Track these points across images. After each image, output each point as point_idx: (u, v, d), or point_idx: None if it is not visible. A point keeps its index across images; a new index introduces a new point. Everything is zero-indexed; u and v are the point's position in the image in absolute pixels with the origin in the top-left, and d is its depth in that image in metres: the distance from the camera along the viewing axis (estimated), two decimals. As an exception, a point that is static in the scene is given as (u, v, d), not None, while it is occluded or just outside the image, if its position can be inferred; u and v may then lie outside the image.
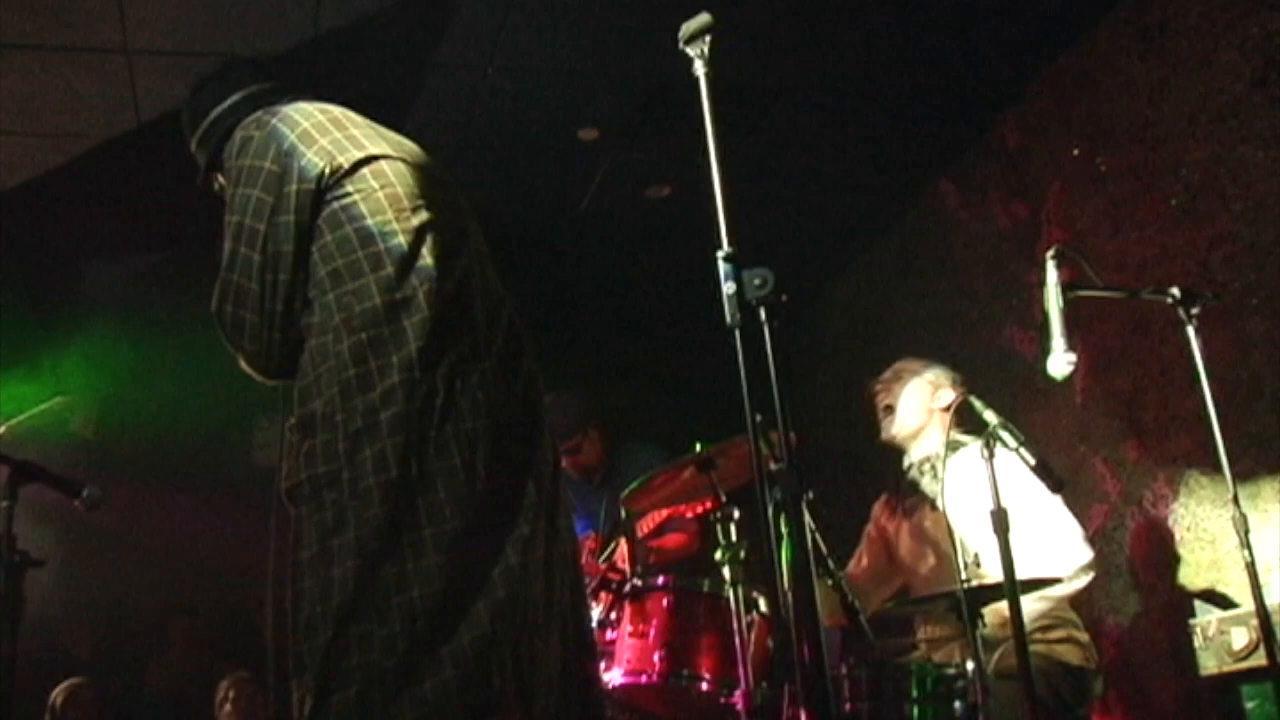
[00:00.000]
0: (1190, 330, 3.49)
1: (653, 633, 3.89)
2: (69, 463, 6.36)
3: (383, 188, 2.64)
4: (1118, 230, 5.17)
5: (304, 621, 2.41)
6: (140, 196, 5.95)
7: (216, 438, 7.51)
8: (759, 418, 2.01)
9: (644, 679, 3.82)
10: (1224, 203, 4.61)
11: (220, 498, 7.14)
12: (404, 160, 2.76)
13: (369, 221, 2.59)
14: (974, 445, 4.08)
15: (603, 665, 3.86)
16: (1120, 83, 5.16)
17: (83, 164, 5.66)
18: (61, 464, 4.14)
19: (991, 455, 3.39)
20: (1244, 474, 4.29)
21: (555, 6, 4.90)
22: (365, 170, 2.65)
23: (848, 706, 3.62)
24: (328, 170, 2.62)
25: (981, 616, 3.55)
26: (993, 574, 3.56)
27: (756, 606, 3.93)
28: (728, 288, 2.07)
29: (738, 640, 3.59)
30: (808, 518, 2.00)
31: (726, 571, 3.72)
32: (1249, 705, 4.07)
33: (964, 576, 3.50)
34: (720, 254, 2.09)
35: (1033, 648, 3.69)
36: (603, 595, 4.18)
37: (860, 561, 4.79)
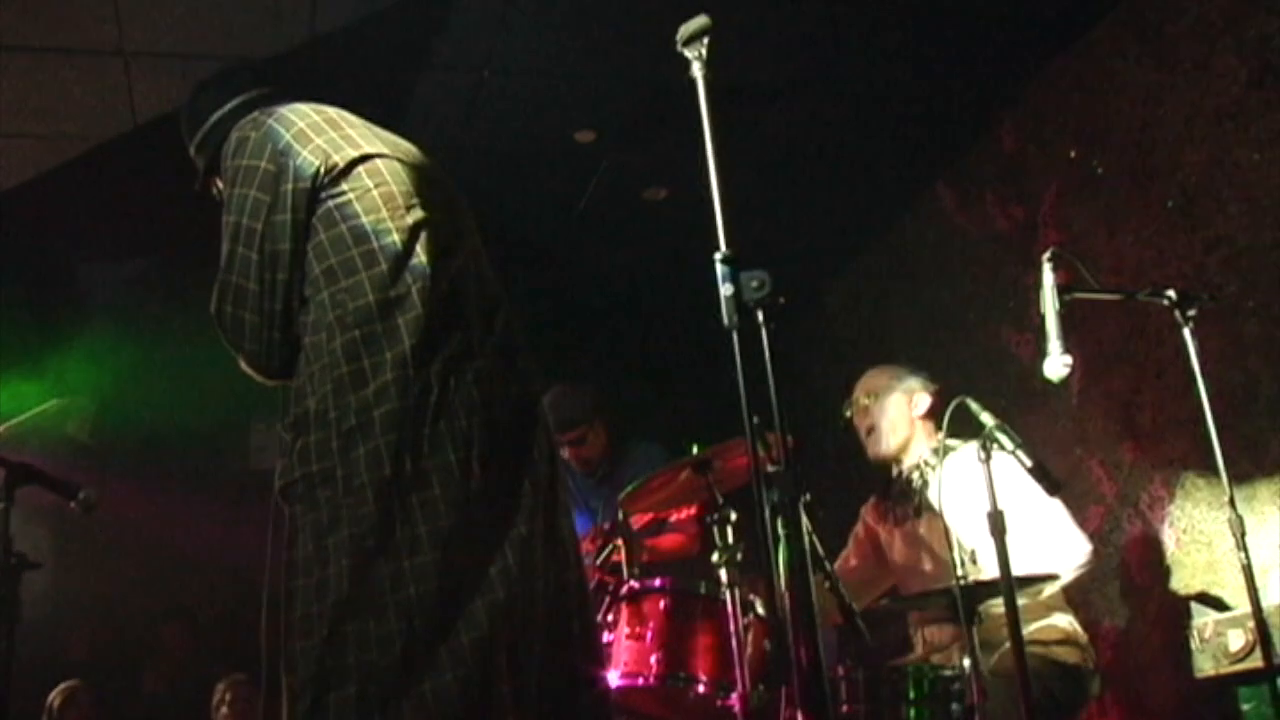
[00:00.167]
0: (1186, 332, 3.49)
1: (649, 635, 3.89)
2: (67, 464, 6.34)
3: (377, 186, 2.65)
4: (1114, 232, 5.17)
5: (298, 619, 2.40)
6: (137, 198, 5.94)
7: (213, 440, 7.50)
8: (756, 420, 2.01)
9: (640, 681, 3.82)
10: (1220, 205, 4.62)
11: (217, 500, 7.14)
12: (399, 160, 2.76)
13: (363, 220, 2.60)
14: (965, 448, 4.07)
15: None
16: (1117, 85, 5.17)
17: (79, 166, 5.64)
18: (59, 466, 4.14)
19: (988, 457, 3.38)
20: (1240, 476, 4.30)
21: (552, 8, 4.90)
22: (360, 169, 2.66)
23: (845, 708, 3.63)
24: (323, 169, 2.63)
25: (979, 614, 3.55)
26: (989, 571, 3.57)
27: (753, 608, 3.93)
28: (725, 290, 2.07)
29: (735, 642, 3.59)
30: (805, 520, 2.00)
31: (723, 573, 3.72)
32: (1245, 707, 4.06)
33: (960, 573, 3.50)
34: (717, 256, 2.10)
35: (1030, 649, 3.69)
36: (600, 598, 4.18)
37: (848, 562, 4.78)
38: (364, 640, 2.33)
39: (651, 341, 7.73)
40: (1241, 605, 4.14)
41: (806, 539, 2.00)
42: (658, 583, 4.05)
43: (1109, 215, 5.21)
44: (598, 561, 4.89)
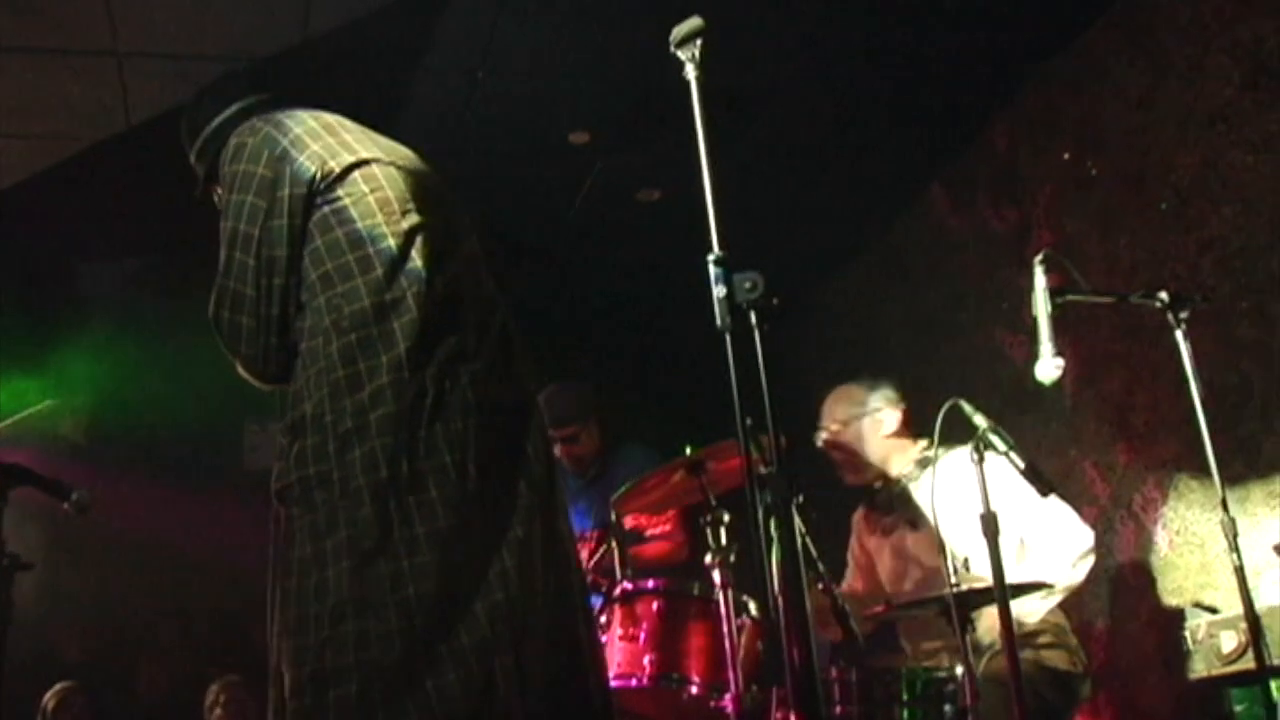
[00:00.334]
0: (1179, 334, 3.49)
1: (643, 636, 3.89)
2: (61, 465, 6.33)
3: (373, 191, 2.66)
4: (1107, 234, 5.18)
5: (295, 619, 2.41)
6: (131, 198, 5.94)
7: (207, 440, 7.49)
8: (749, 421, 2.01)
9: (633, 682, 3.82)
10: (1213, 207, 4.62)
11: (211, 500, 7.12)
12: (395, 165, 2.77)
13: (359, 225, 2.61)
14: (953, 453, 4.07)
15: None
16: (1110, 87, 5.17)
17: (73, 167, 5.64)
18: (53, 466, 4.13)
19: (981, 460, 3.39)
20: (1233, 478, 4.30)
21: (546, 9, 4.90)
22: (356, 174, 2.67)
23: (837, 710, 3.63)
24: (319, 175, 2.64)
25: (972, 621, 3.55)
26: (983, 575, 3.57)
27: (746, 610, 3.94)
28: (718, 291, 2.07)
29: (728, 643, 3.59)
30: (798, 521, 2.00)
31: (716, 575, 3.72)
32: (1238, 709, 4.07)
33: (954, 581, 3.51)
34: (710, 257, 2.10)
35: (1021, 654, 3.70)
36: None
37: (854, 585, 4.76)
38: (364, 639, 2.34)
39: (645, 342, 7.73)
40: (1234, 607, 4.15)
41: (799, 541, 2.00)
42: (651, 584, 4.06)
43: (1102, 217, 5.22)
44: (590, 564, 4.89)
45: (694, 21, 2.30)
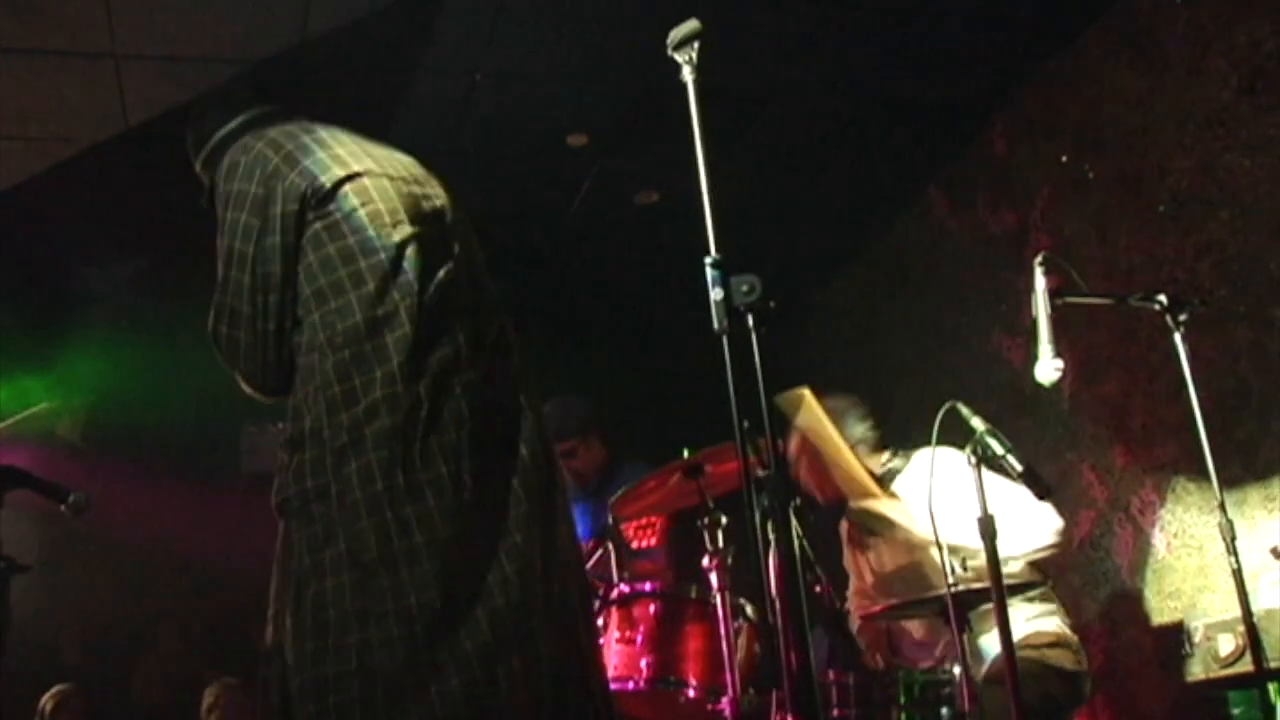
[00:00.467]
0: (1177, 337, 3.49)
1: (639, 639, 3.89)
2: (58, 466, 6.33)
3: (364, 205, 2.68)
4: (1105, 237, 5.18)
5: (293, 630, 2.42)
6: (129, 200, 5.94)
7: (204, 442, 7.48)
8: (746, 424, 2.01)
9: (630, 685, 3.82)
10: (1211, 210, 4.63)
11: (208, 502, 7.12)
12: (388, 176, 2.78)
13: (350, 240, 2.64)
14: (916, 457, 4.21)
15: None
16: (1108, 90, 5.18)
17: (71, 169, 5.63)
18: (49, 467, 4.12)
19: (979, 461, 3.38)
20: (1231, 481, 4.30)
21: (544, 11, 4.90)
22: (346, 188, 2.69)
23: (835, 713, 3.63)
24: (309, 191, 2.67)
25: (969, 621, 3.55)
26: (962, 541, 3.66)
27: (744, 612, 3.94)
28: (715, 294, 2.07)
29: (725, 646, 3.59)
30: (794, 523, 2.00)
31: (714, 578, 3.72)
32: (1235, 711, 4.07)
33: (951, 581, 3.50)
34: (708, 260, 2.10)
35: (1022, 653, 3.70)
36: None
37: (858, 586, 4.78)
38: (367, 647, 2.36)
39: (643, 345, 7.73)
40: (1231, 610, 4.15)
41: (796, 543, 2.00)
42: (648, 587, 4.06)
43: (1100, 220, 5.22)
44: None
45: (691, 24, 2.30)
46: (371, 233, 2.64)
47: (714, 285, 2.07)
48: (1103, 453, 5.23)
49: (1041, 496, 3.41)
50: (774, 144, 5.95)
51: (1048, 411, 5.54)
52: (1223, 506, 3.33)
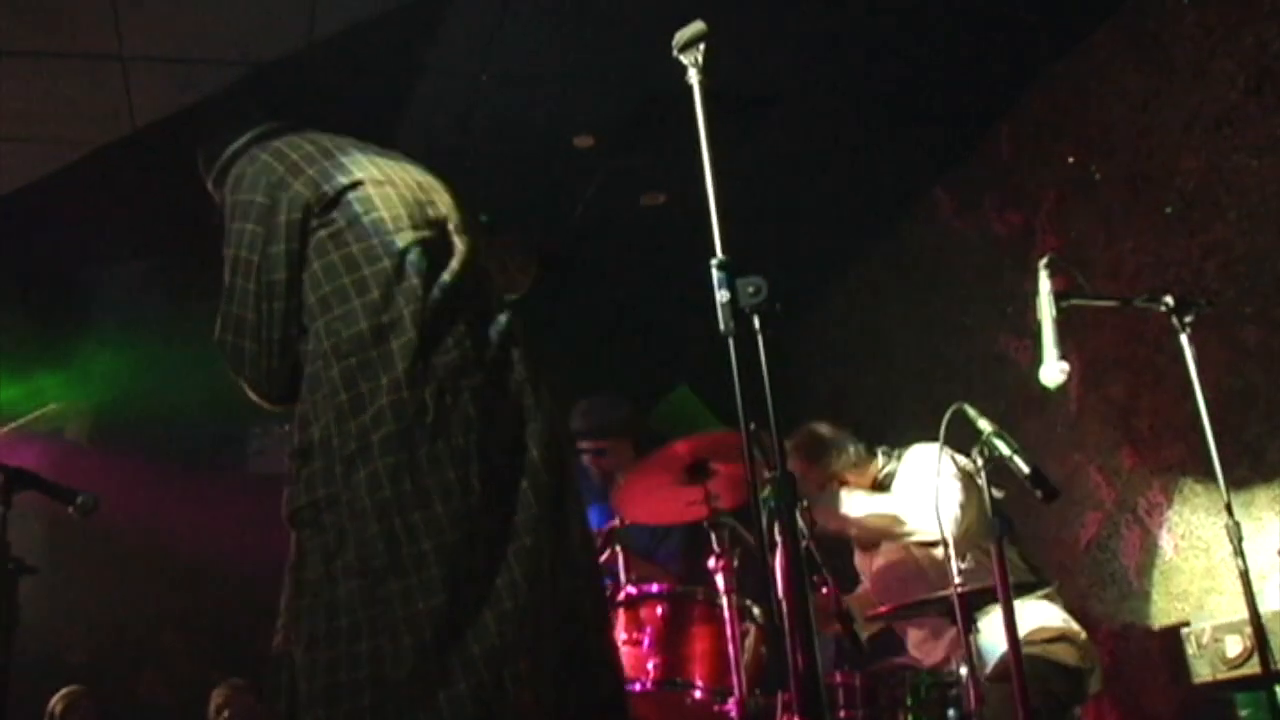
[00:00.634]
0: (1184, 338, 3.49)
1: (646, 640, 3.89)
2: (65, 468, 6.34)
3: (367, 213, 2.69)
4: (1112, 238, 5.17)
5: (306, 637, 2.43)
6: (136, 202, 5.95)
7: (212, 444, 7.50)
8: (753, 425, 2.01)
9: (637, 686, 3.81)
10: (1218, 211, 4.62)
11: (216, 504, 7.13)
12: (391, 183, 2.79)
13: (354, 247, 2.65)
14: (908, 455, 4.27)
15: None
16: (1115, 91, 5.17)
17: (78, 170, 5.65)
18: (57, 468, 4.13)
19: (986, 464, 3.37)
20: (1238, 482, 4.30)
21: (550, 13, 4.90)
22: (350, 196, 2.71)
23: (842, 714, 3.62)
24: (314, 199, 2.68)
25: (974, 621, 3.55)
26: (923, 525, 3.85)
27: (750, 614, 3.93)
28: (722, 295, 2.07)
29: (732, 648, 3.59)
30: (801, 525, 2.00)
31: (720, 579, 3.72)
32: (1243, 713, 4.06)
33: (958, 581, 3.50)
34: (714, 262, 2.10)
35: (1027, 650, 3.69)
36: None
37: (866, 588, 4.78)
38: (378, 655, 2.36)
39: (649, 346, 7.72)
40: (1239, 611, 4.13)
41: (802, 544, 2.00)
42: (654, 588, 4.06)
43: (1107, 221, 5.21)
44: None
45: (697, 26, 2.30)
46: (375, 240, 2.65)
47: (720, 287, 2.07)
48: (1110, 454, 5.22)
49: (1049, 498, 3.40)
50: (781, 145, 5.95)
51: (1055, 413, 5.54)
52: (1230, 508, 3.33)
